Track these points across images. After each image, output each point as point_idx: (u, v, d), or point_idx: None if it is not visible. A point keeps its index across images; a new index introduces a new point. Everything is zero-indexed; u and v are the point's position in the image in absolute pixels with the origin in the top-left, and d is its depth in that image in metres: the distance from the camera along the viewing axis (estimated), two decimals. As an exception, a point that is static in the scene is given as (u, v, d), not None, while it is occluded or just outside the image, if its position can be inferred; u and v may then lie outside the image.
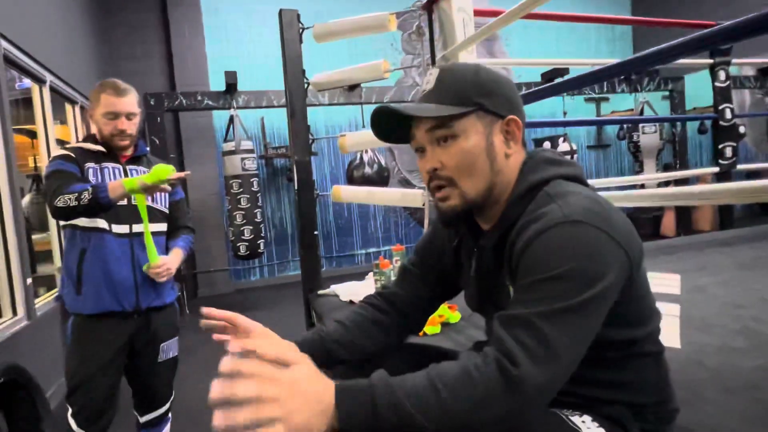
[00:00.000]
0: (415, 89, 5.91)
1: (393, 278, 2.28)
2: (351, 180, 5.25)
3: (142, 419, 1.92)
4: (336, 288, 2.49)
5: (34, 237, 3.80)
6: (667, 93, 7.10)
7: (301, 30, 2.49)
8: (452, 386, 0.64)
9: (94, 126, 1.78)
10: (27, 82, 3.55)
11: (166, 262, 1.78)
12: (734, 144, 2.84)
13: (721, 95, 2.84)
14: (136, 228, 1.76)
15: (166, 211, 1.88)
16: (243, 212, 4.88)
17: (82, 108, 4.57)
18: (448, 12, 2.09)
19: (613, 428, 0.73)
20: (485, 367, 0.65)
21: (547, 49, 7.23)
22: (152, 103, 4.92)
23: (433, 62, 2.14)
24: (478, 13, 2.21)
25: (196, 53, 5.89)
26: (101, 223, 1.71)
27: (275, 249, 6.37)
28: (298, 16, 2.50)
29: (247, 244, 4.91)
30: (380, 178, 5.22)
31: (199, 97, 5.10)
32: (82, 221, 1.69)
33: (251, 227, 4.91)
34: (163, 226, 1.87)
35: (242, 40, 6.17)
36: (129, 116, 1.74)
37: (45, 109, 3.61)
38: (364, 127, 5.71)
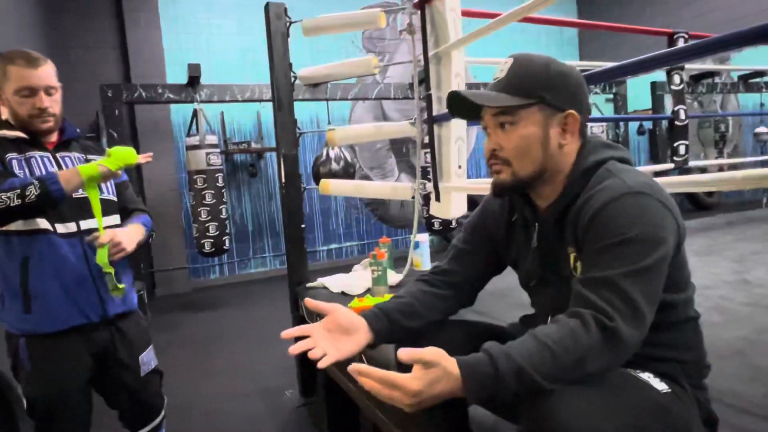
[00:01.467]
0: (378, 87, 5.97)
1: (389, 269, 2.34)
2: (317, 175, 5.25)
3: None
4: (324, 280, 2.52)
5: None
6: (611, 96, 7.55)
7: (288, 23, 2.50)
8: (562, 343, 0.74)
9: (4, 109, 1.47)
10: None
11: (115, 233, 1.46)
12: (687, 142, 3.09)
13: (676, 97, 3.08)
14: (85, 225, 1.49)
15: (116, 199, 1.61)
16: (208, 208, 4.78)
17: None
18: (441, 11, 2.17)
19: (670, 382, 0.84)
20: (587, 325, 0.74)
21: (501, 49, 7.47)
22: (110, 94, 4.71)
23: (426, 59, 2.21)
24: (466, 13, 2.31)
25: (152, 44, 5.68)
26: (42, 224, 1.42)
27: (236, 246, 6.25)
28: (286, 9, 2.50)
29: (212, 240, 4.81)
30: (346, 174, 5.25)
31: (160, 90, 4.93)
32: (17, 224, 1.38)
33: (216, 223, 4.81)
34: (117, 219, 1.60)
35: (201, 32, 6.01)
36: (48, 91, 1.44)
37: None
38: (329, 123, 5.73)
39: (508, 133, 0.92)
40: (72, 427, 1.52)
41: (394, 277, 2.35)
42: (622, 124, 7.39)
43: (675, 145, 3.10)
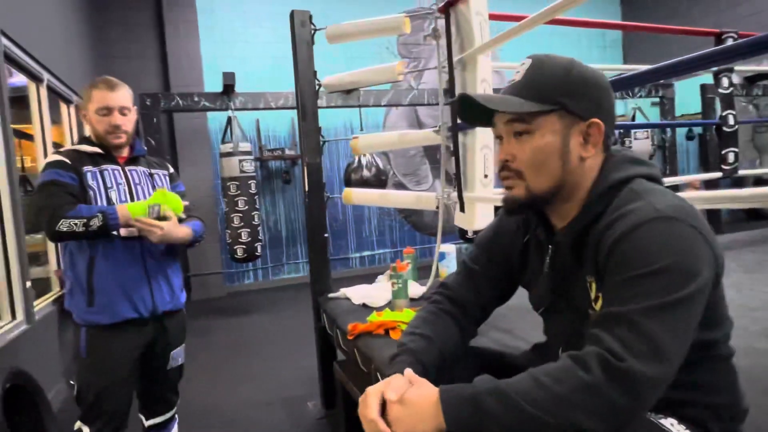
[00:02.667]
0: (412, 93, 5.91)
1: (410, 280, 2.27)
2: (348, 182, 5.23)
3: (147, 423, 1.89)
4: (346, 291, 2.47)
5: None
6: (657, 99, 7.22)
7: (312, 31, 2.48)
8: (555, 375, 0.66)
9: (87, 126, 1.71)
10: (18, 80, 3.47)
11: (159, 224, 1.62)
12: (736, 150, 2.89)
13: (725, 101, 2.89)
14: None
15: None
16: (240, 214, 4.83)
17: (77, 107, 4.48)
18: (467, 15, 2.09)
19: (697, 430, 0.73)
20: (586, 362, 0.65)
21: (540, 53, 7.29)
22: (148, 103, 4.85)
23: (450, 65, 2.14)
24: (493, 17, 2.22)
25: (190, 54, 5.83)
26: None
27: (270, 252, 6.31)
28: (311, 17, 2.48)
29: (244, 246, 4.86)
30: (378, 181, 5.21)
31: (196, 98, 5.04)
32: None
33: (249, 230, 4.86)
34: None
35: (237, 41, 6.12)
36: (123, 111, 1.67)
37: (42, 108, 3.54)
38: (362, 130, 5.71)
39: (523, 142, 0.82)
40: (115, 412, 1.68)
41: (416, 289, 2.28)
42: (669, 129, 7.05)
43: (723, 152, 2.90)
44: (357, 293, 2.39)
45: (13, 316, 2.68)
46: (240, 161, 4.81)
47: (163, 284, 1.74)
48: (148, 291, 1.69)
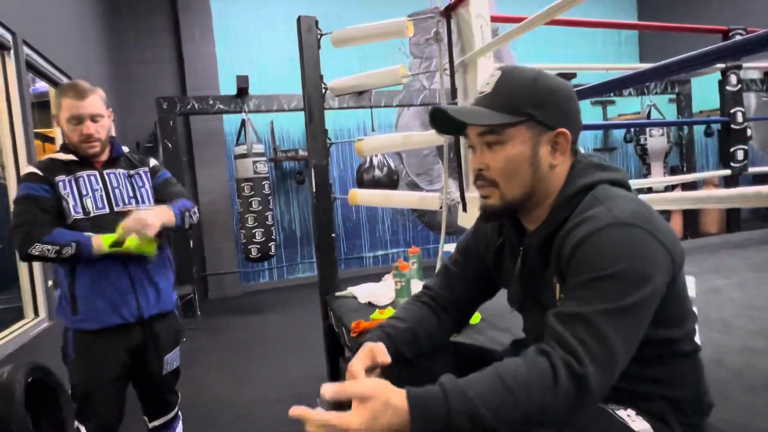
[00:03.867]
0: (423, 93, 5.95)
1: (413, 279, 2.31)
2: (361, 183, 5.28)
3: (151, 425, 1.90)
4: (353, 290, 2.52)
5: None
6: (673, 96, 7.12)
7: (319, 36, 2.53)
8: (525, 385, 0.69)
9: (63, 135, 1.67)
10: (39, 86, 3.60)
11: (135, 212, 1.59)
12: (745, 147, 2.87)
13: (733, 99, 2.87)
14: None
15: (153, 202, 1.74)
16: (254, 215, 4.93)
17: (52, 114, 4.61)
18: (467, 18, 2.13)
19: (655, 422, 0.76)
20: (556, 371, 0.69)
21: (554, 51, 7.25)
22: (165, 106, 4.97)
23: (451, 68, 2.18)
24: (495, 19, 2.25)
25: (206, 57, 5.95)
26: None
27: (284, 251, 6.41)
28: (317, 22, 2.54)
29: (258, 246, 4.95)
30: (390, 181, 5.26)
31: (211, 101, 5.15)
32: None
33: (263, 230, 4.95)
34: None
35: (251, 44, 6.22)
36: (94, 118, 1.62)
37: (62, 113, 3.66)
38: (373, 130, 5.77)
39: (494, 153, 0.86)
40: (104, 411, 1.69)
41: (419, 288, 2.32)
42: (686, 125, 6.95)
43: (732, 150, 2.88)
44: (363, 292, 2.44)
45: (36, 313, 2.80)
46: (254, 162, 4.90)
47: (149, 288, 1.71)
48: (133, 297, 1.67)
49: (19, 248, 1.55)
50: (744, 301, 1.96)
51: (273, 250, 5.12)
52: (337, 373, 2.57)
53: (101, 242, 1.57)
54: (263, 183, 4.99)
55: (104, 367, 1.67)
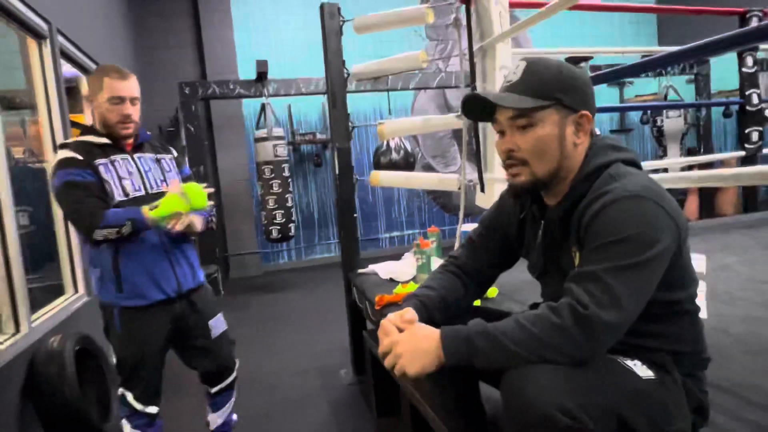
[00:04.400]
0: (439, 76, 5.99)
1: (433, 257, 2.43)
2: (378, 165, 5.39)
3: (213, 390, 2.01)
4: (374, 267, 2.64)
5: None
6: (692, 77, 7.06)
7: (341, 22, 2.62)
8: (532, 320, 0.83)
9: (94, 114, 1.72)
10: (66, 70, 3.74)
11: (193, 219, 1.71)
12: (761, 129, 2.91)
13: (749, 80, 2.90)
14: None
15: None
16: (275, 197, 5.07)
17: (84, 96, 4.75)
18: (486, 5, 2.20)
19: (658, 370, 0.88)
20: (559, 310, 0.82)
21: (571, 32, 7.21)
22: (187, 91, 5.10)
23: (471, 53, 2.26)
24: (513, 4, 2.32)
25: (225, 42, 6.05)
26: None
27: (303, 232, 6.56)
28: (339, 9, 2.62)
29: (279, 227, 5.11)
30: (406, 164, 5.35)
31: (231, 86, 5.27)
32: None
33: (283, 211, 5.10)
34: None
35: (269, 28, 6.30)
36: (133, 101, 1.69)
37: (93, 99, 3.80)
38: (390, 113, 5.85)
39: (525, 134, 0.94)
40: (149, 380, 1.80)
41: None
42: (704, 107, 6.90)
43: (747, 131, 2.92)
44: (384, 269, 2.56)
45: (76, 289, 2.98)
46: (274, 146, 5.03)
47: (184, 264, 1.82)
48: (171, 273, 1.77)
49: (86, 238, 1.65)
50: (751, 276, 2.05)
51: (293, 231, 5.27)
52: (360, 345, 2.71)
53: (151, 216, 1.64)
54: (283, 166, 5.12)
55: (151, 340, 1.76)
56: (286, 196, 5.14)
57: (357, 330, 2.78)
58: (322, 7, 2.64)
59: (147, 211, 1.63)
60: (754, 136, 2.93)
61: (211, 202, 1.82)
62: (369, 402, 2.53)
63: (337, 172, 2.72)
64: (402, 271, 2.47)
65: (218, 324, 1.97)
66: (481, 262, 1.17)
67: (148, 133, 1.88)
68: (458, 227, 2.53)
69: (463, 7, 2.27)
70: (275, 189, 5.05)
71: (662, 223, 0.84)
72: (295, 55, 6.21)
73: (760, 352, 1.33)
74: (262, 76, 5.17)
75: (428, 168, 6.92)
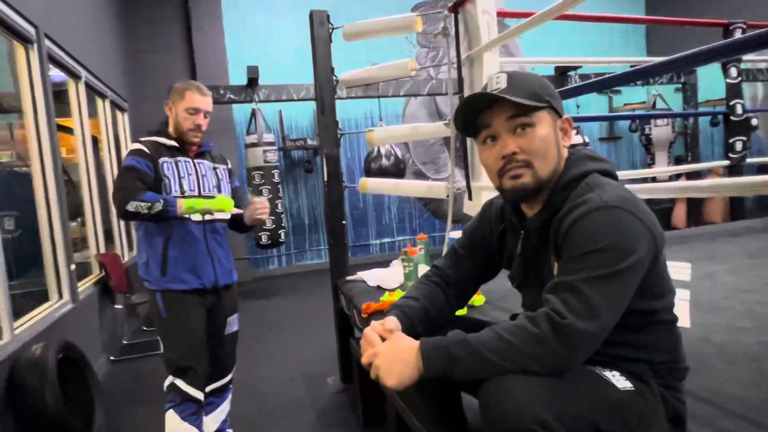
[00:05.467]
0: (430, 83, 6.02)
1: (421, 264, 2.43)
2: (368, 172, 5.39)
3: (208, 389, 2.10)
4: (363, 274, 2.64)
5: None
6: (679, 86, 7.15)
7: (331, 30, 2.63)
8: (510, 330, 0.83)
9: (169, 119, 1.96)
10: (54, 74, 3.71)
11: (261, 200, 2.06)
12: (744, 138, 2.95)
13: (732, 91, 2.94)
14: (209, 216, 1.97)
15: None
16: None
17: (112, 103, 4.74)
18: (473, 14, 2.21)
19: (635, 380, 0.88)
20: (537, 320, 0.82)
21: (561, 41, 7.28)
22: (177, 96, 5.07)
23: (459, 61, 2.27)
24: (501, 14, 2.34)
25: (215, 47, 6.05)
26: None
27: (293, 238, 6.54)
28: (328, 16, 2.63)
29: (268, 233, 5.08)
30: (397, 170, 5.36)
31: (222, 91, 5.25)
32: None
33: (272, 217, 5.08)
34: (227, 215, 2.05)
35: (260, 34, 6.31)
36: (206, 114, 1.96)
37: (81, 103, 3.79)
38: (381, 120, 5.86)
39: (525, 135, 0.93)
40: (199, 362, 1.93)
41: (427, 273, 2.43)
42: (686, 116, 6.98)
43: (731, 141, 2.96)
44: (372, 276, 2.56)
45: (60, 296, 2.95)
46: (264, 152, 5.02)
47: (224, 262, 2.04)
48: (210, 267, 1.98)
49: (118, 207, 1.81)
50: (735, 285, 2.06)
51: (282, 237, 5.25)
52: (347, 353, 2.70)
53: (183, 204, 1.84)
54: (273, 171, 5.11)
55: (195, 322, 1.95)
56: (276, 201, 5.13)
57: (345, 337, 2.77)
58: (311, 14, 2.65)
59: (181, 201, 1.84)
60: (738, 146, 2.98)
61: (265, 214, 2.09)
62: (356, 411, 2.51)
63: (325, 178, 2.72)
64: (390, 278, 2.46)
65: (233, 322, 2.15)
66: (464, 273, 1.17)
67: (211, 144, 2.12)
68: (446, 235, 2.54)
69: (452, 16, 2.29)
70: (265, 195, 5.04)
71: (638, 233, 0.84)
72: (286, 61, 6.22)
73: (740, 362, 1.34)
74: (252, 81, 5.17)
75: (419, 174, 6.94)
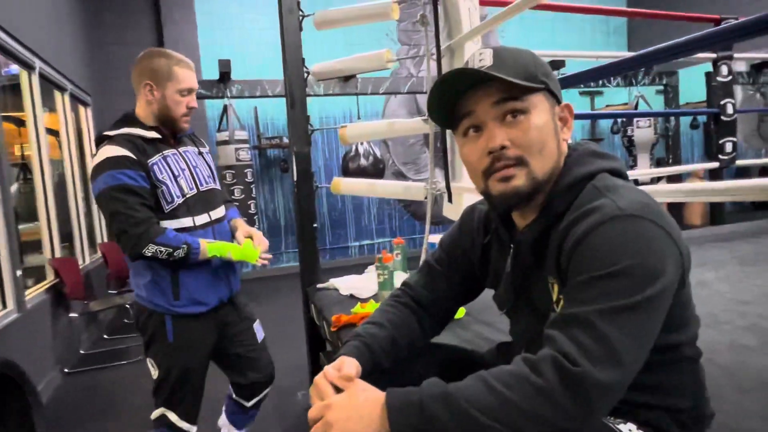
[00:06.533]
0: (410, 80, 5.85)
1: (397, 272, 2.25)
2: (346, 172, 5.20)
3: (249, 403, 1.92)
4: (335, 282, 2.45)
5: (21, 227, 3.71)
6: (661, 87, 7.12)
7: (301, 17, 2.43)
8: (505, 380, 0.63)
9: (148, 104, 1.55)
10: (13, 68, 3.45)
11: (260, 242, 1.76)
12: (735, 139, 2.84)
13: (723, 90, 2.83)
14: (214, 214, 1.67)
15: (219, 187, 1.79)
16: (237, 204, 4.81)
17: (72, 96, 4.46)
18: (455, 1, 2.04)
19: (655, 435, 0.70)
20: (540, 366, 0.62)
21: (543, 39, 7.19)
22: (144, 91, 4.81)
23: (438, 52, 2.10)
24: (483, 2, 2.17)
25: (187, 40, 5.78)
26: (186, 222, 1.57)
27: (268, 240, 6.30)
28: (299, 2, 2.43)
29: (240, 235, 4.86)
30: (375, 170, 5.18)
31: (192, 86, 5.00)
32: (167, 223, 1.54)
33: (245, 219, 4.85)
34: (223, 210, 1.77)
35: (234, 27, 6.07)
36: (195, 93, 1.62)
37: (34, 96, 3.52)
38: (359, 118, 5.67)
39: (517, 124, 0.73)
40: (195, 395, 1.70)
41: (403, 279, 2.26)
42: (672, 117, 6.95)
43: (721, 142, 2.84)
44: (345, 284, 2.37)
45: (3, 304, 2.69)
46: (236, 150, 4.79)
47: (236, 268, 1.77)
48: (224, 277, 1.70)
49: (132, 248, 1.45)
50: (732, 295, 1.93)
51: (256, 239, 5.02)
52: (317, 368, 2.51)
53: (206, 249, 1.56)
54: (245, 171, 4.88)
55: (200, 350, 1.68)
56: (249, 202, 4.90)
57: (315, 350, 2.58)
58: (280, 1, 2.45)
59: (204, 243, 1.56)
60: (728, 147, 2.86)
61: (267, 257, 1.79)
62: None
63: (294, 178, 2.52)
64: (363, 286, 2.28)
65: (259, 328, 1.93)
66: (440, 293, 0.97)
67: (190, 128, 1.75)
68: (425, 240, 2.36)
69: (431, 3, 2.12)
70: (237, 195, 4.81)
71: (665, 249, 0.66)
72: (261, 56, 5.98)
73: (753, 389, 1.18)
74: (224, 76, 4.93)
75: (399, 175, 6.76)
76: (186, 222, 1.57)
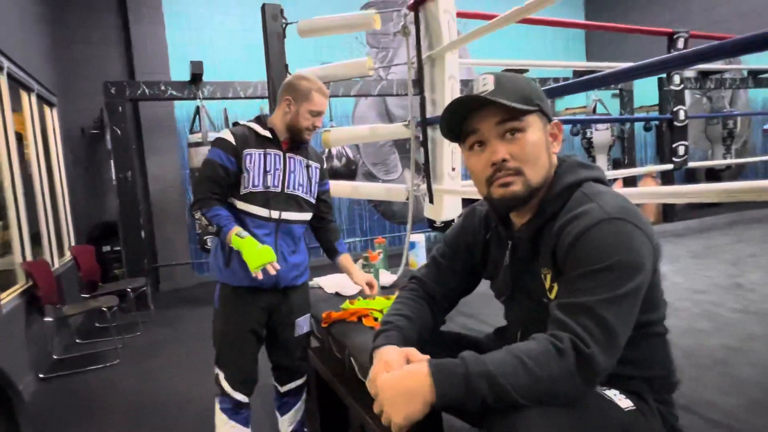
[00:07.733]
0: (381, 83, 5.96)
1: (382, 269, 2.35)
2: (319, 173, 5.27)
3: (283, 389, 2.09)
4: (319, 281, 2.53)
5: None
6: (617, 91, 7.48)
7: (284, 25, 2.51)
8: (536, 359, 0.75)
9: (284, 113, 1.83)
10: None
11: (369, 281, 2.01)
12: (686, 143, 3.08)
13: (676, 97, 3.07)
14: (285, 215, 1.86)
15: (313, 201, 1.97)
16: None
17: (39, 96, 4.36)
18: (435, 13, 2.17)
19: (635, 399, 0.85)
20: (563, 347, 0.75)
21: (507, 45, 7.44)
22: (113, 91, 4.75)
23: (419, 61, 2.22)
24: (461, 15, 2.31)
25: (155, 40, 5.72)
26: (255, 210, 1.82)
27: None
28: (282, 11, 2.51)
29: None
30: (348, 171, 5.27)
31: (163, 87, 4.96)
32: (240, 204, 1.81)
33: (218, 220, 4.85)
34: (308, 216, 1.96)
35: (204, 28, 6.03)
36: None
37: (3, 97, 3.44)
38: (331, 120, 5.74)
39: (516, 141, 0.88)
40: (240, 360, 1.91)
41: (387, 277, 2.36)
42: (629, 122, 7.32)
43: (674, 145, 3.08)
44: (330, 282, 2.46)
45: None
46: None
47: (290, 262, 1.91)
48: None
49: (192, 205, 1.91)
50: (687, 286, 2.13)
51: (229, 241, 5.03)
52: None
53: (231, 238, 1.73)
54: (219, 172, 4.88)
55: (243, 323, 1.88)
56: (222, 203, 4.90)
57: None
58: (263, 8, 2.52)
59: (234, 232, 1.73)
60: (681, 150, 3.11)
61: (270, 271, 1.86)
62: (312, 423, 2.40)
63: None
64: (348, 284, 2.36)
65: (304, 324, 2.06)
66: (447, 286, 1.11)
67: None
68: (406, 238, 2.48)
69: (412, 14, 2.24)
70: (210, 196, 4.80)
71: (642, 245, 0.81)
72: (232, 57, 5.98)
73: (708, 366, 1.36)
74: (196, 77, 4.91)
75: (369, 176, 6.87)
76: (256, 210, 1.82)
